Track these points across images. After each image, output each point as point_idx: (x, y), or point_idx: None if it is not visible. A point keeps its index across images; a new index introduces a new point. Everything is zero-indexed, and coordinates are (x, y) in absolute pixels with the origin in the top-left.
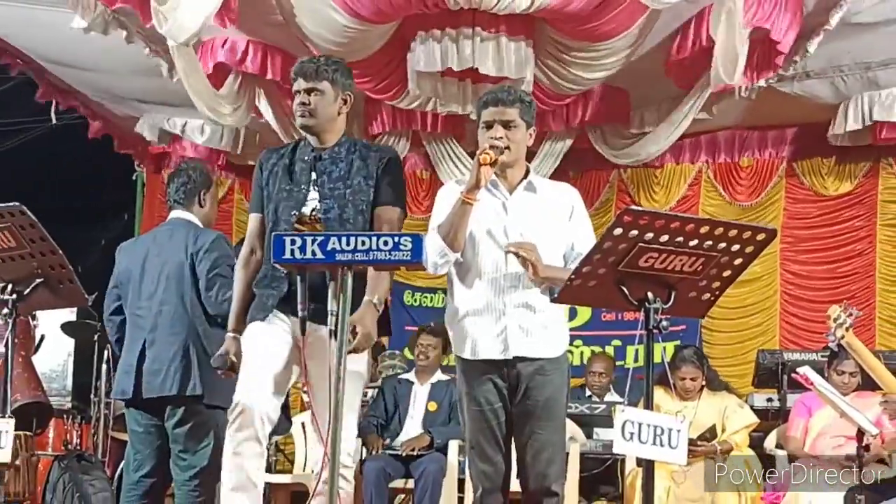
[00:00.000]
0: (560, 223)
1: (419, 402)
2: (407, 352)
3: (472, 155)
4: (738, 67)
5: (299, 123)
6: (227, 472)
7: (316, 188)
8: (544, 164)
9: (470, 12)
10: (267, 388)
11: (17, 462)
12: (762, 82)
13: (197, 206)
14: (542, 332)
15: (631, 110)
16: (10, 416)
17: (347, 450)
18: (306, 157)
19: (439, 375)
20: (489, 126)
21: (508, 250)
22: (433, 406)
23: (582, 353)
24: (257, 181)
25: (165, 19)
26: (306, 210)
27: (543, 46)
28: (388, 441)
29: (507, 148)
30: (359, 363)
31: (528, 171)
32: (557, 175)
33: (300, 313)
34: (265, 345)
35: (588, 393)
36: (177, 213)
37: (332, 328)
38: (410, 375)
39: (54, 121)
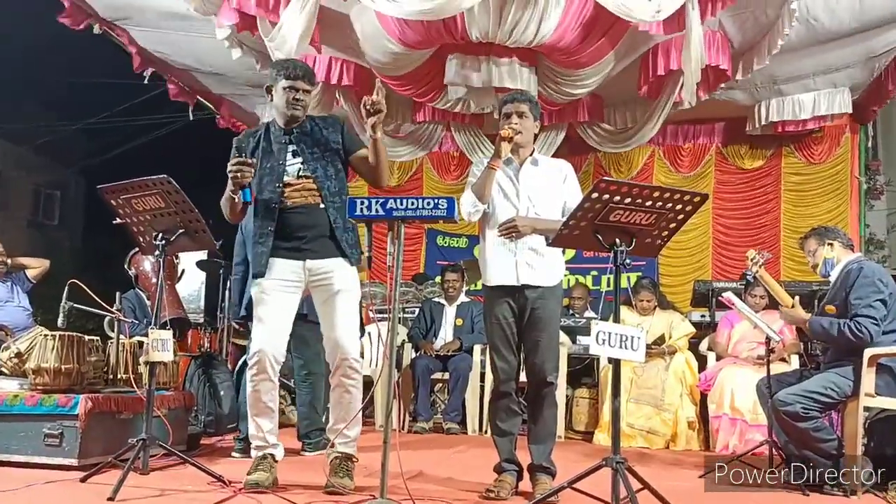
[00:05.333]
0: (556, 187)
1: (449, 318)
2: (439, 279)
3: (489, 137)
4: (692, 90)
5: (291, 114)
6: (249, 404)
7: (297, 156)
8: (545, 149)
9: (487, 44)
10: (275, 337)
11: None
12: (706, 96)
13: None
14: (543, 267)
15: (605, 110)
16: (161, 327)
17: (356, 352)
18: (282, 140)
19: (463, 298)
20: (507, 116)
21: (500, 234)
22: (460, 321)
23: (568, 280)
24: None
25: (273, 38)
26: (292, 173)
27: (542, 72)
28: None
29: (520, 132)
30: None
31: (533, 151)
32: (553, 156)
33: (366, 253)
34: (271, 308)
35: (570, 311)
36: None
37: (389, 264)
38: (441, 299)
39: (191, 117)
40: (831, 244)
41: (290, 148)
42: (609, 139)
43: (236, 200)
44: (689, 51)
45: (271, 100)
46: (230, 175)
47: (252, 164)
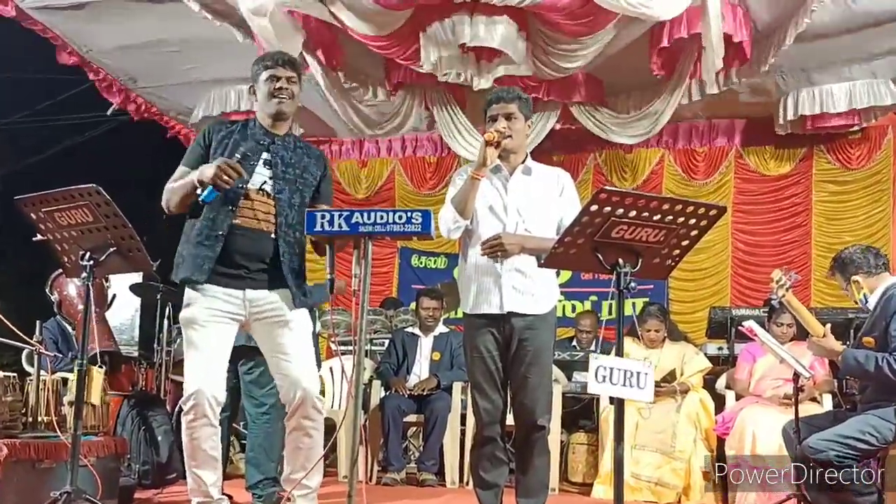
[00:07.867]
0: (552, 200)
1: (424, 351)
2: (413, 306)
3: (472, 122)
4: (714, 67)
5: (277, 109)
6: (187, 454)
7: (268, 167)
8: (532, 139)
9: (472, 3)
10: (213, 375)
11: (93, 401)
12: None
13: None
14: (532, 292)
15: (605, 96)
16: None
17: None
18: (260, 141)
19: (441, 328)
20: (494, 119)
21: (483, 253)
22: (437, 355)
23: (564, 307)
24: (201, 143)
25: None
26: (255, 184)
27: (533, 39)
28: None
29: (510, 136)
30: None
31: (527, 158)
32: (542, 157)
33: (329, 276)
34: (207, 335)
35: (574, 345)
36: None
37: (355, 288)
38: (415, 329)
39: (109, 112)
40: (856, 281)
41: (265, 155)
42: (615, 124)
43: (196, 194)
44: (708, 18)
45: (256, 99)
46: (214, 173)
47: (242, 175)
